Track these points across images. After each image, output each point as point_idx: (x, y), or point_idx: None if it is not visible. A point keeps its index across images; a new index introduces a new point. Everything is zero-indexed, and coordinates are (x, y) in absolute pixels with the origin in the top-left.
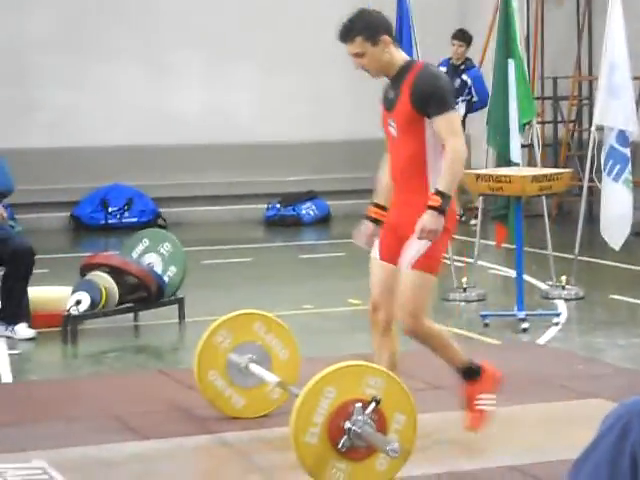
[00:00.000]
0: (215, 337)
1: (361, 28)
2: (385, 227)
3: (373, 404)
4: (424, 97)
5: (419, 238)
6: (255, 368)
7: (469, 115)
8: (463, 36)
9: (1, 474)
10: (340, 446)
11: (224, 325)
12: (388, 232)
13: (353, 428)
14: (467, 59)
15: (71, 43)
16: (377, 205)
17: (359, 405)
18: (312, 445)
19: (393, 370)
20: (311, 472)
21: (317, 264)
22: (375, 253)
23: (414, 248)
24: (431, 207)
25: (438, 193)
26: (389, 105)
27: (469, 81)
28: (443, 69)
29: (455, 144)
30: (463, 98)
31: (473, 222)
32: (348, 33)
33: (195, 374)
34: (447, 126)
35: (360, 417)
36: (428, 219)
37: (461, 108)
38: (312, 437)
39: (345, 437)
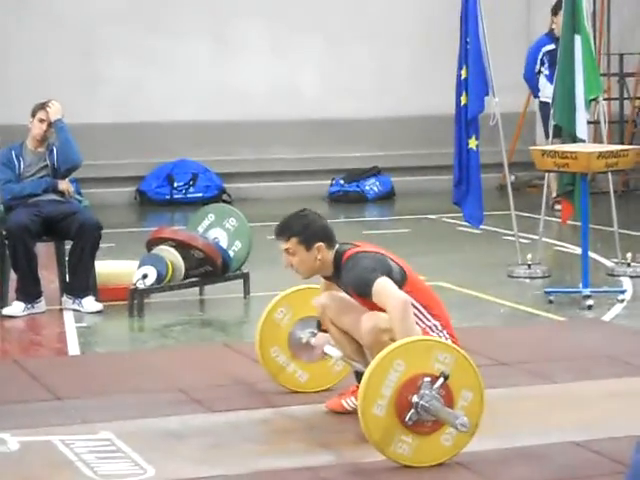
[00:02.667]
0: (275, 314)
1: (298, 231)
2: None
3: (441, 379)
4: (357, 290)
5: None
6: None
7: None
8: None
9: (68, 445)
10: (407, 419)
11: (283, 301)
12: None
13: (421, 402)
14: None
15: (137, 18)
16: None
17: (428, 379)
18: (379, 417)
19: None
20: (377, 444)
21: (380, 240)
22: None
23: None
24: None
25: None
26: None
27: None
28: (550, 47)
29: (392, 304)
30: None
31: (557, 207)
32: (284, 231)
33: (257, 351)
34: (380, 296)
35: (428, 391)
36: None
37: None
38: (379, 409)
39: (412, 411)
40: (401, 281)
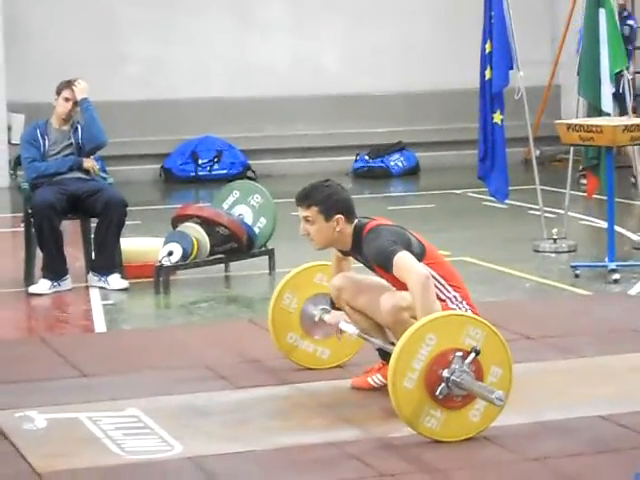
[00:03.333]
0: (281, 301)
1: (319, 200)
2: None
3: (473, 354)
4: (378, 262)
5: None
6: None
7: None
8: None
9: (96, 422)
10: (437, 393)
11: (286, 287)
12: None
13: (452, 377)
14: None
15: None
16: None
17: (459, 354)
18: (409, 390)
19: None
20: (406, 417)
21: (405, 216)
22: None
23: None
24: None
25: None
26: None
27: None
28: None
29: (414, 279)
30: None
31: (584, 181)
32: (305, 199)
33: (275, 342)
34: (401, 271)
35: (459, 366)
36: None
37: None
38: (410, 382)
39: (443, 385)
40: (421, 254)
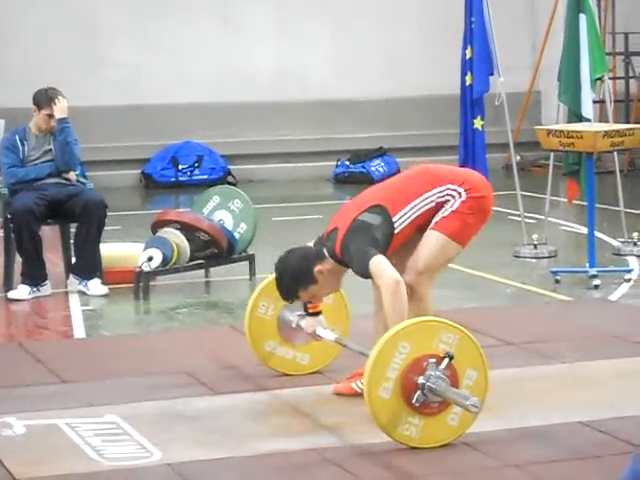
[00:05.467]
0: (257, 309)
1: (295, 284)
2: None
3: (447, 360)
4: (363, 276)
5: None
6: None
7: None
8: None
9: (74, 428)
10: (414, 401)
11: (261, 295)
12: None
13: (427, 384)
14: None
15: (143, 0)
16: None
17: (433, 361)
18: (385, 400)
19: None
20: (384, 427)
21: None
22: None
23: (438, 216)
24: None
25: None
26: None
27: None
28: None
29: (383, 286)
30: None
31: None
32: (289, 295)
33: (253, 350)
34: (375, 278)
35: (433, 372)
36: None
37: None
38: (386, 392)
39: (419, 392)
40: (389, 228)
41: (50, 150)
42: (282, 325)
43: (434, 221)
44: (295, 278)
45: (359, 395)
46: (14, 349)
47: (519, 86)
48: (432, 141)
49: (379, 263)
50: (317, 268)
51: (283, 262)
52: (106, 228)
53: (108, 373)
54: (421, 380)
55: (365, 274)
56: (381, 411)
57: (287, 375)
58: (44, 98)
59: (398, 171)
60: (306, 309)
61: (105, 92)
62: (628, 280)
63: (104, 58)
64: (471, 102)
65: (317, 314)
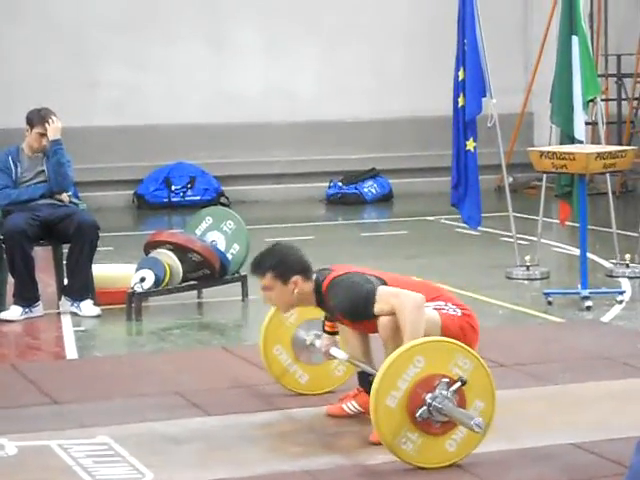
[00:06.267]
0: (284, 319)
1: (272, 266)
2: None
3: (459, 384)
4: (354, 314)
5: None
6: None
7: None
8: None
9: (66, 450)
10: (418, 416)
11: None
12: None
13: (434, 403)
14: None
15: (134, 22)
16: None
17: (445, 380)
18: (391, 408)
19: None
20: (383, 435)
21: (379, 242)
22: None
23: None
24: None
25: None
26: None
27: None
28: None
29: (404, 302)
30: None
31: None
32: (258, 268)
33: (261, 348)
34: (385, 307)
35: (443, 392)
36: None
37: None
38: (392, 400)
39: (424, 408)
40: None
41: (43, 171)
42: (296, 341)
43: None
44: (278, 262)
45: (351, 416)
46: (6, 370)
47: (512, 108)
48: (425, 162)
49: (387, 288)
50: (296, 278)
51: (287, 246)
52: (99, 249)
53: (100, 394)
54: (429, 398)
55: (364, 312)
56: (384, 419)
57: (281, 395)
58: (37, 117)
59: (390, 192)
60: (324, 327)
61: (97, 113)
62: (620, 302)
63: (96, 79)
64: (464, 123)
65: (334, 334)
